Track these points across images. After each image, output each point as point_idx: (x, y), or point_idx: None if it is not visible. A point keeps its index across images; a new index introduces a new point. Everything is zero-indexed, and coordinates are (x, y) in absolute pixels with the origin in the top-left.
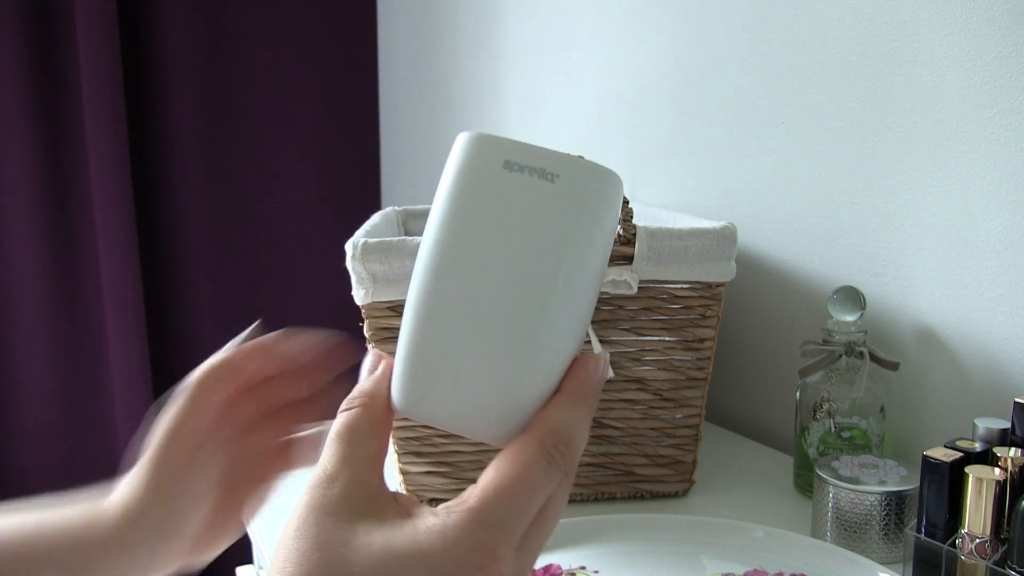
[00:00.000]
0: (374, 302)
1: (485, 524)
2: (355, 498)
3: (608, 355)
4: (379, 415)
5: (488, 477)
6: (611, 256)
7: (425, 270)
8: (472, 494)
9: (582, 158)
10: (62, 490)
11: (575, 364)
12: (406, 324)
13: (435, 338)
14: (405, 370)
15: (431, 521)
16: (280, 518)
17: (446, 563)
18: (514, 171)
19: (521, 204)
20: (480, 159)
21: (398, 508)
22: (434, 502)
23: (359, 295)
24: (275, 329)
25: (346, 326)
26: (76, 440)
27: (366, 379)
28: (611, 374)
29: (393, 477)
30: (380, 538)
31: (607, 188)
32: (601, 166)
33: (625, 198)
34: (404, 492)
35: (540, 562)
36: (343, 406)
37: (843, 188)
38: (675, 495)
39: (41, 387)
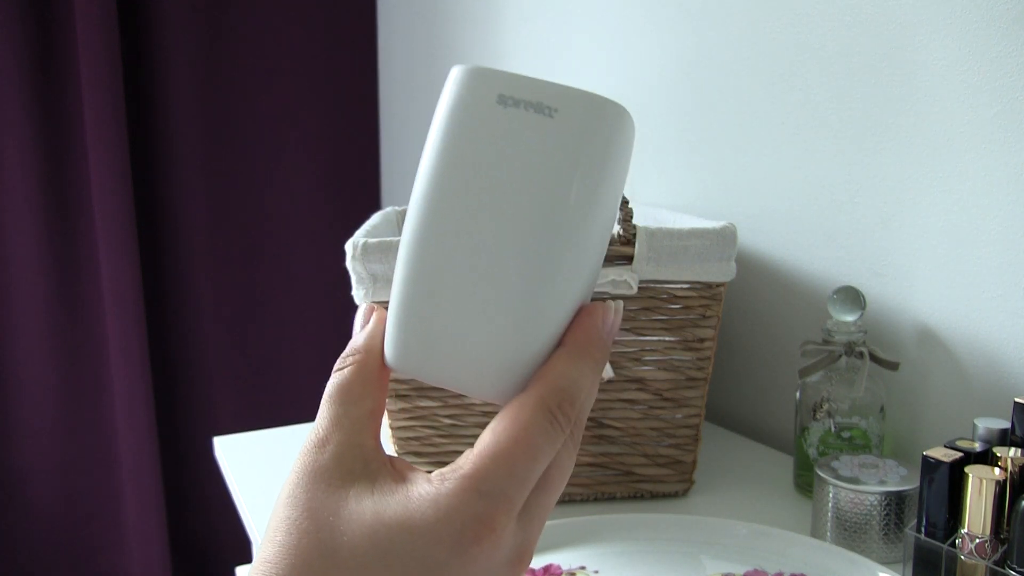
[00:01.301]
0: (374, 302)
1: (481, 493)
2: (347, 462)
3: (621, 305)
4: (372, 373)
5: (485, 441)
6: (611, 256)
7: (416, 215)
8: (468, 460)
9: (585, 91)
10: (62, 490)
11: (580, 314)
12: (398, 275)
13: (428, 287)
14: (397, 323)
15: (424, 489)
16: None
17: (440, 534)
18: (508, 106)
19: (517, 141)
20: (472, 94)
21: (393, 473)
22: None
23: (359, 295)
24: (273, 330)
25: (346, 326)
26: (76, 440)
27: (358, 334)
28: (611, 375)
29: None
30: (371, 506)
31: (611, 122)
32: (605, 98)
33: (625, 198)
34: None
35: (540, 562)
36: (336, 365)
37: (843, 188)
38: (675, 495)
39: (41, 387)
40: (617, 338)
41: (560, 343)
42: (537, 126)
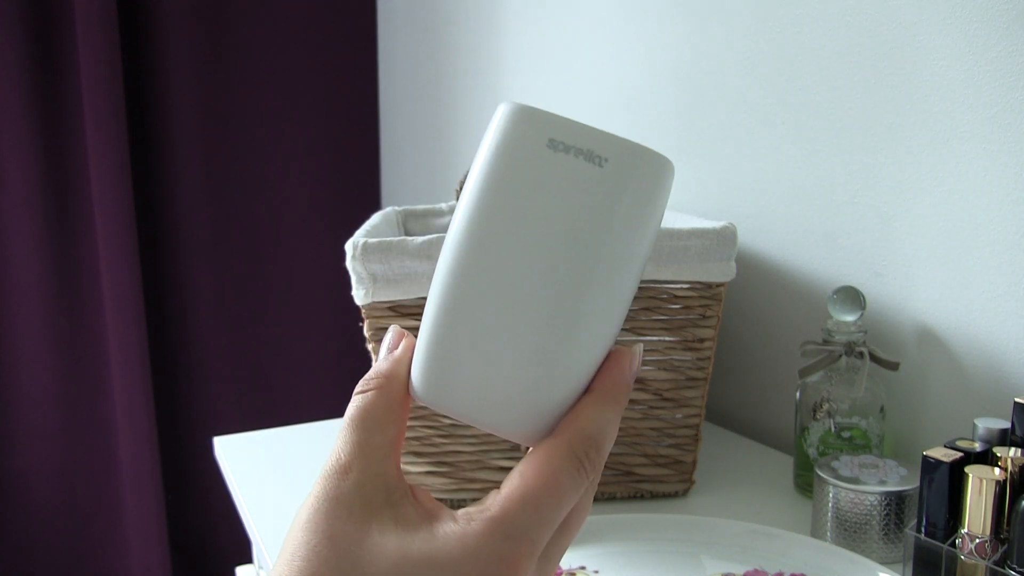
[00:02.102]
0: (374, 302)
1: (508, 536)
2: (370, 491)
3: (641, 348)
4: (396, 399)
5: (513, 484)
6: None
7: (456, 249)
8: (495, 501)
9: (633, 142)
10: (62, 490)
11: (608, 360)
12: (432, 306)
13: (464, 323)
14: (428, 355)
15: (451, 527)
16: (280, 516)
17: (466, 573)
18: (559, 151)
19: (564, 188)
20: (523, 135)
21: (416, 507)
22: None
23: (359, 295)
24: (273, 330)
25: (346, 326)
26: (76, 440)
27: (384, 359)
28: None
29: None
30: (395, 540)
31: (658, 176)
32: (653, 151)
33: None
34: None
35: None
36: (358, 388)
37: (843, 188)
38: (675, 495)
39: (42, 388)
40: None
41: (588, 388)
42: (586, 174)
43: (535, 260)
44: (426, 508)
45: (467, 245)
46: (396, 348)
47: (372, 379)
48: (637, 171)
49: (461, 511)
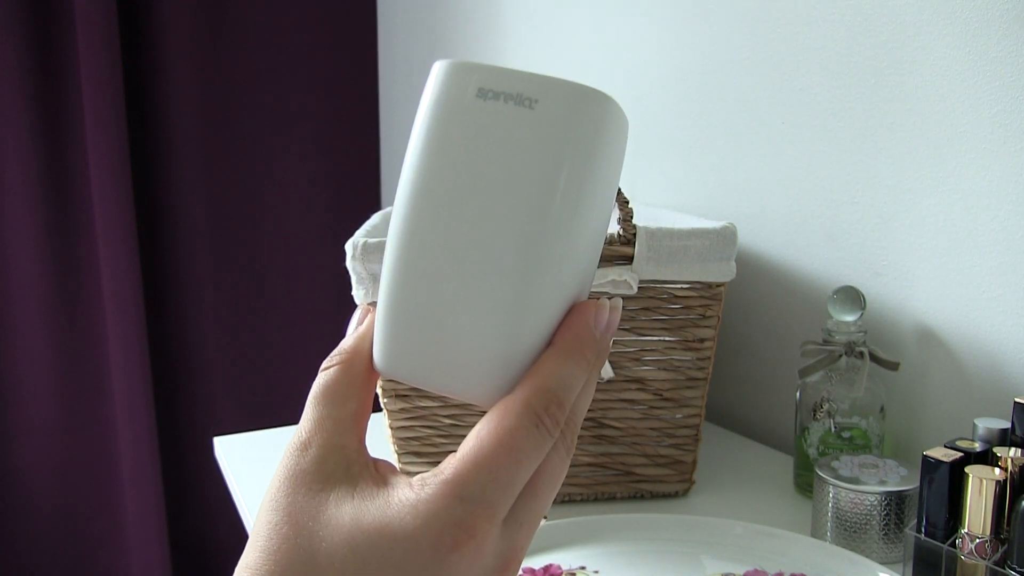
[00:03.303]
0: (374, 302)
1: (461, 498)
2: (329, 465)
3: (618, 303)
4: (359, 374)
5: (467, 445)
6: (611, 256)
7: (399, 214)
8: (450, 465)
9: (566, 80)
10: (62, 490)
11: (571, 312)
12: (383, 276)
13: (412, 289)
14: (382, 325)
15: (404, 494)
16: None
17: (418, 540)
18: (488, 99)
19: (498, 134)
20: (451, 88)
21: (375, 476)
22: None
23: (359, 295)
24: (273, 330)
25: (346, 326)
26: (76, 440)
27: (349, 335)
28: (611, 374)
29: None
30: (350, 511)
31: (596, 111)
32: (589, 87)
33: (625, 198)
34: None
35: (540, 562)
36: (322, 365)
37: (843, 188)
38: (675, 495)
39: (41, 387)
40: (617, 338)
41: (550, 343)
42: (517, 118)
43: (477, 213)
44: (384, 477)
45: (408, 206)
46: (361, 325)
47: (335, 355)
48: (571, 109)
49: (416, 477)
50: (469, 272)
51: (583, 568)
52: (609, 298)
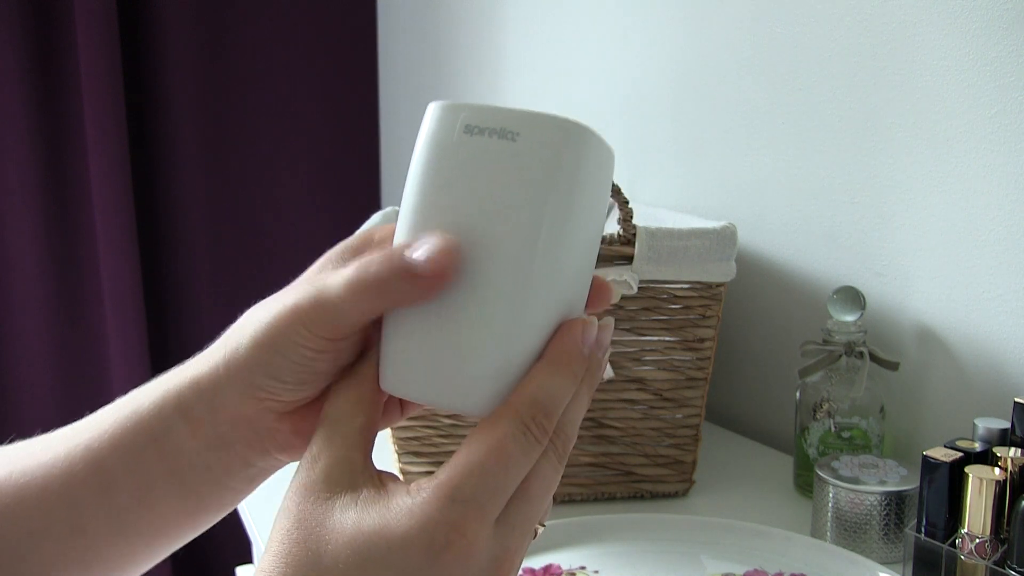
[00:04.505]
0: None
1: (453, 500)
2: (335, 476)
3: (609, 321)
4: (365, 394)
5: (460, 452)
6: (611, 256)
7: (399, 242)
8: (443, 470)
9: (546, 113)
10: None
11: (559, 329)
12: None
13: (411, 312)
14: (385, 347)
15: (402, 499)
16: None
17: (413, 540)
18: (474, 134)
19: (485, 166)
20: (441, 127)
21: (378, 485)
22: None
23: None
24: None
25: None
26: None
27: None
28: (611, 374)
29: None
30: (353, 516)
31: (575, 141)
32: (568, 119)
33: (625, 198)
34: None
35: (540, 562)
36: (332, 383)
37: (843, 188)
38: (675, 495)
39: (41, 387)
40: (617, 338)
41: (540, 357)
42: (501, 150)
43: (470, 239)
44: (386, 486)
45: (407, 235)
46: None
47: (344, 377)
48: (550, 139)
49: (413, 483)
50: (464, 296)
51: (583, 568)
52: (599, 318)
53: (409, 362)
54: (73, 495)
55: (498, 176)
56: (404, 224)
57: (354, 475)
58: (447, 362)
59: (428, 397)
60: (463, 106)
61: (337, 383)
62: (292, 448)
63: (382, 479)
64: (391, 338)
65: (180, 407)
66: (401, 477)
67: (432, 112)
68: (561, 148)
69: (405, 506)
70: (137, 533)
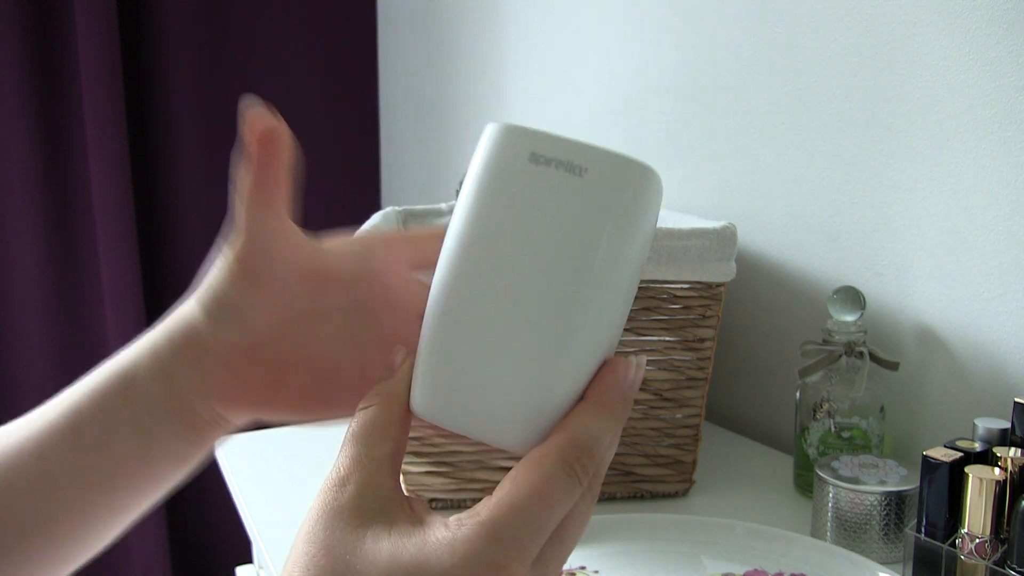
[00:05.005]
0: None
1: (497, 540)
2: (366, 502)
3: (643, 360)
4: (396, 416)
5: (504, 490)
6: None
7: (447, 266)
8: (485, 507)
9: (614, 151)
10: None
11: (603, 369)
12: (426, 323)
13: (455, 339)
14: (423, 371)
15: (441, 533)
16: (280, 516)
17: None
18: (540, 164)
19: (547, 199)
20: (505, 151)
21: (410, 515)
22: (434, 503)
23: None
24: None
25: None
26: None
27: (387, 377)
28: None
29: None
30: (388, 546)
31: (640, 182)
32: (634, 160)
33: None
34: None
35: None
36: (361, 404)
37: (843, 188)
38: (675, 495)
39: (41, 387)
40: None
41: (583, 397)
42: (567, 185)
43: (523, 272)
44: (420, 516)
45: (457, 260)
46: (399, 366)
47: (374, 396)
48: (617, 179)
49: (452, 517)
50: (511, 327)
51: (583, 568)
52: (635, 356)
53: (449, 389)
54: (43, 442)
55: (560, 210)
56: (458, 242)
57: (385, 502)
58: (491, 393)
59: (465, 427)
60: (530, 132)
61: (365, 401)
62: (233, 402)
63: (413, 507)
64: (431, 361)
65: (151, 350)
66: (401, 478)
67: (494, 134)
68: (627, 189)
69: (445, 540)
70: (97, 479)
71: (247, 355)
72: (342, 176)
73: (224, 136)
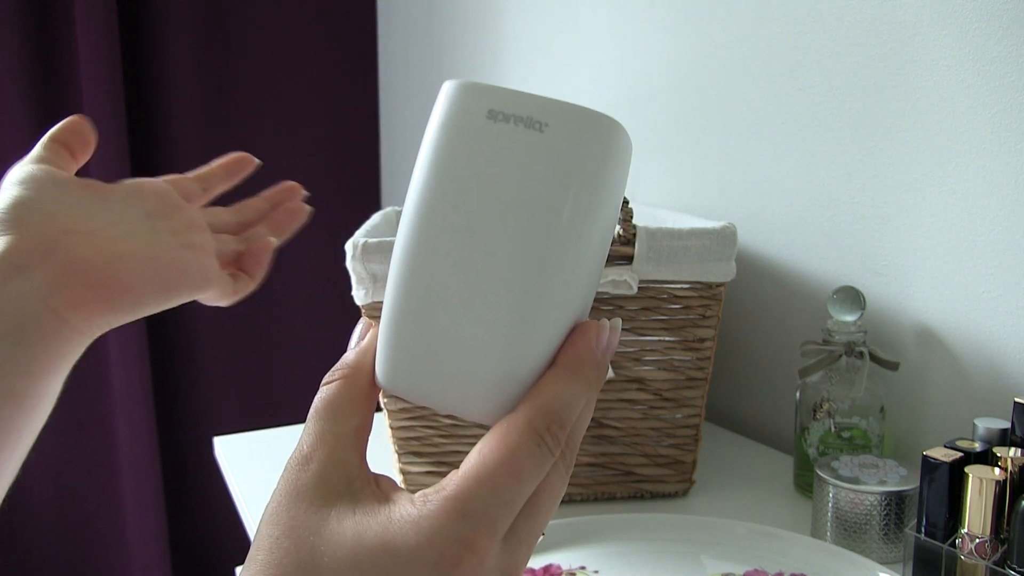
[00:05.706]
0: (374, 302)
1: (464, 515)
2: (330, 480)
3: (618, 323)
4: (361, 390)
5: (470, 462)
6: (611, 256)
7: (406, 231)
8: (452, 481)
9: (576, 105)
10: (62, 490)
11: (573, 333)
12: (387, 292)
13: (418, 306)
14: (386, 340)
15: (406, 510)
16: None
17: (420, 556)
18: (499, 121)
19: (507, 156)
20: (461, 109)
21: (377, 492)
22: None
23: (359, 295)
24: (273, 330)
25: (346, 326)
26: (76, 440)
27: (351, 349)
28: (611, 374)
29: (393, 477)
30: (352, 526)
31: (603, 136)
32: (597, 113)
33: (625, 198)
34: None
35: (540, 562)
36: (324, 379)
37: (843, 188)
38: (675, 495)
39: None
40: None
41: (552, 362)
42: (527, 141)
43: (484, 233)
44: (386, 493)
45: (416, 224)
46: (363, 339)
47: (337, 370)
48: (580, 134)
49: (418, 493)
50: (475, 290)
51: (583, 568)
52: (609, 318)
53: (414, 359)
54: None
55: (521, 168)
56: (415, 207)
57: (350, 480)
58: (457, 362)
59: (431, 399)
60: (487, 88)
61: (329, 376)
62: (80, 305)
63: (380, 484)
64: (394, 331)
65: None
66: (401, 478)
67: (451, 91)
68: (590, 143)
69: (411, 518)
70: None
71: (69, 249)
72: (342, 176)
73: (224, 136)
